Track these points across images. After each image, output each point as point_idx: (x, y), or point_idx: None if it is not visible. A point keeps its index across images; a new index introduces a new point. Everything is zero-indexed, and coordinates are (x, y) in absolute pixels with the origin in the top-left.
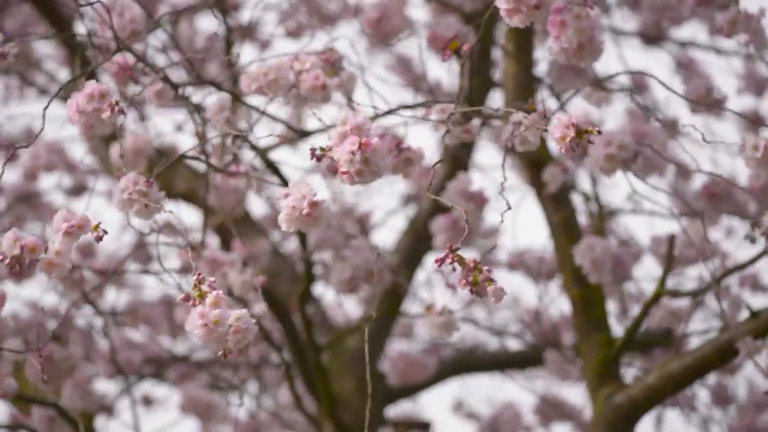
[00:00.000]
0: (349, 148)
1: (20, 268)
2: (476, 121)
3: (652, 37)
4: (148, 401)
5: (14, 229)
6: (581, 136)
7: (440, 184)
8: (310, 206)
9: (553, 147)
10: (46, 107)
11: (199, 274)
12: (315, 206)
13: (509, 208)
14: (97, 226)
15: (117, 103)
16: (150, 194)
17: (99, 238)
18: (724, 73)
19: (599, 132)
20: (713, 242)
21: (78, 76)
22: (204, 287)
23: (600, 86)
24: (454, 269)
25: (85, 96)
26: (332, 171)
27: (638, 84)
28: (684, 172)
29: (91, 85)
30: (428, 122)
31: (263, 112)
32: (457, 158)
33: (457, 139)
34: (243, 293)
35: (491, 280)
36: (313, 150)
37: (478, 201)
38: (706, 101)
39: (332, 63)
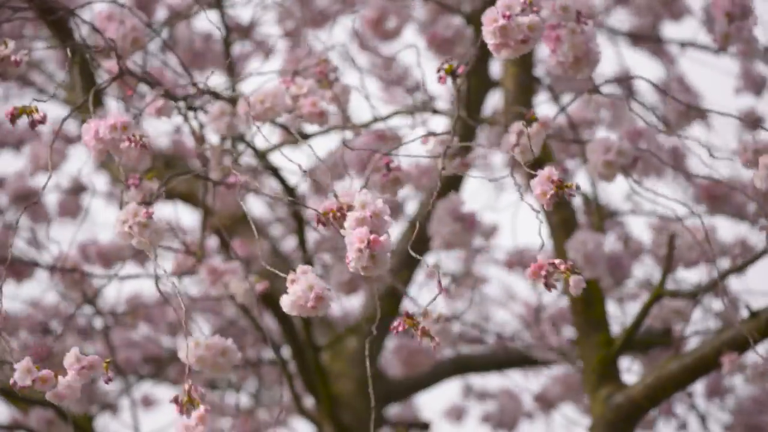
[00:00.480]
0: (357, 246)
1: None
2: (472, 155)
3: (645, 37)
4: (147, 402)
5: (27, 359)
6: (562, 189)
7: (441, 186)
8: (316, 300)
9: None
10: (54, 140)
11: (193, 385)
12: (320, 300)
13: (534, 204)
14: (107, 366)
15: (141, 137)
16: (150, 226)
17: (109, 380)
18: (722, 73)
19: (578, 187)
20: (713, 243)
21: (84, 101)
22: (194, 395)
23: (597, 92)
24: (411, 336)
25: (107, 126)
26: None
27: (633, 85)
28: (684, 172)
29: (114, 116)
30: (425, 140)
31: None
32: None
33: (454, 170)
34: (245, 301)
35: (574, 272)
36: (318, 216)
37: (468, 223)
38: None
39: (326, 75)
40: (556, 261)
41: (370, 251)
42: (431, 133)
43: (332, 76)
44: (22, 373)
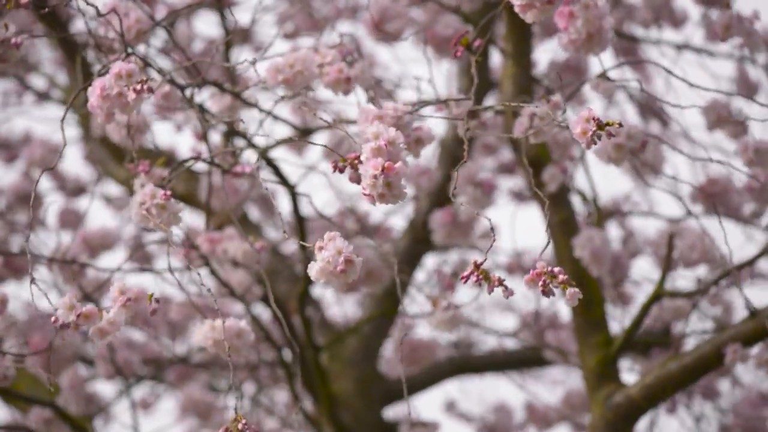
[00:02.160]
0: (372, 172)
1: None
2: (489, 114)
3: (635, 39)
4: (145, 405)
5: (70, 294)
6: (602, 129)
7: (440, 186)
8: (345, 264)
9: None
10: (63, 118)
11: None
12: (349, 264)
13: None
14: (151, 297)
15: (146, 81)
16: (168, 208)
17: (154, 311)
18: (717, 76)
19: (620, 125)
20: (711, 243)
21: (85, 86)
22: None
23: (606, 78)
24: (480, 285)
25: (112, 75)
26: (355, 181)
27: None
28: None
29: (118, 65)
30: (443, 115)
31: (268, 112)
32: (456, 159)
33: (471, 132)
34: (247, 262)
35: (570, 284)
36: (335, 162)
37: (486, 188)
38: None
39: (344, 57)
40: (555, 269)
41: (385, 178)
42: (448, 99)
43: (350, 58)
44: (64, 311)
